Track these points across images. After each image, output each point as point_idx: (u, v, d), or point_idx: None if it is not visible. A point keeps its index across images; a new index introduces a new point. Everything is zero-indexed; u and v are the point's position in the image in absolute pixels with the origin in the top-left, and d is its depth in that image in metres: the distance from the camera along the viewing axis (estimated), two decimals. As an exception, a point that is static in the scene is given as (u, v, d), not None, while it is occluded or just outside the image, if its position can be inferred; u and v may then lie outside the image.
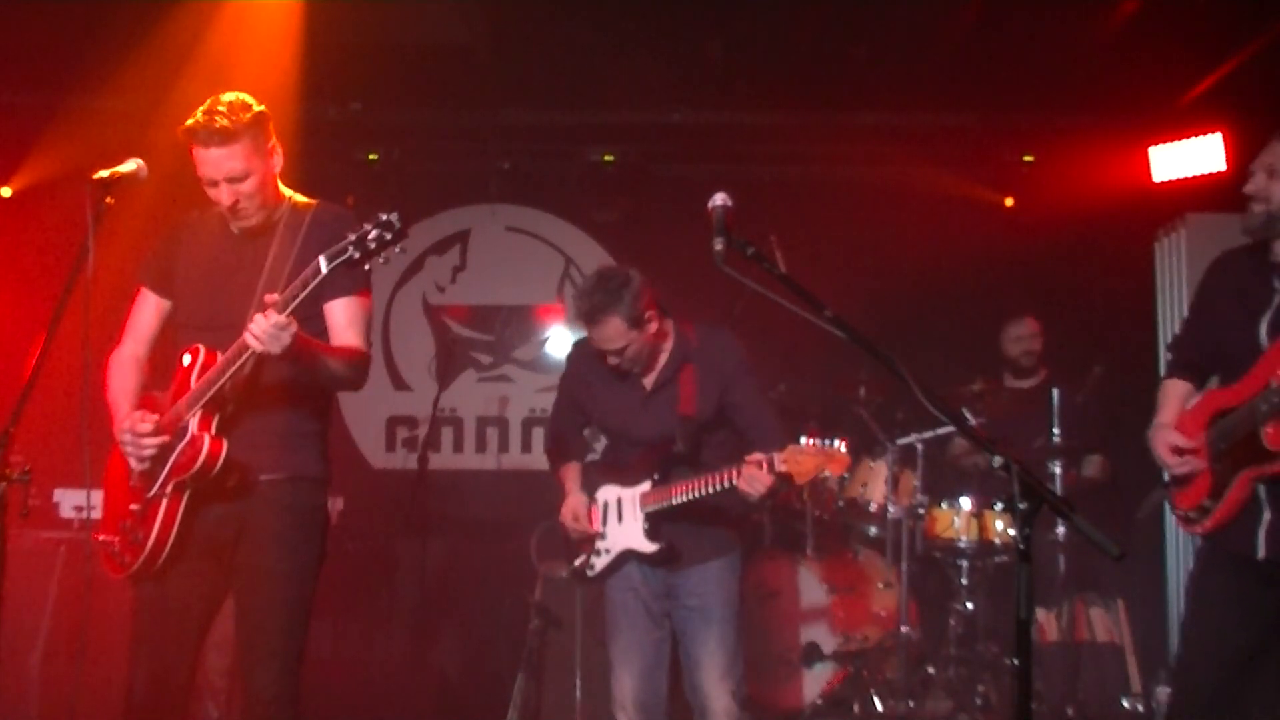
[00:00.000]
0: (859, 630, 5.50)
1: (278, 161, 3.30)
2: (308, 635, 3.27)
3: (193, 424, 3.12)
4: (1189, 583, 3.58)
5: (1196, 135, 6.16)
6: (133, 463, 3.20)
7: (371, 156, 6.72)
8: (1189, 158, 6.21)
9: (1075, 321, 6.46)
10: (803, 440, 3.44)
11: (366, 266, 2.93)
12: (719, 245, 2.51)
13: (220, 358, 3.12)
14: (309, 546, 3.30)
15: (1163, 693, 5.15)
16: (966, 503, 5.50)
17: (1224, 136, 6.09)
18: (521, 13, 5.55)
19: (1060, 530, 5.33)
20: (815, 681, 5.41)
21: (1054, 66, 5.81)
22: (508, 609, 5.77)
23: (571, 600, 5.29)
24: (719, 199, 2.61)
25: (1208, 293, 3.48)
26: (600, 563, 3.91)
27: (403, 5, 5.42)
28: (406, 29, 5.65)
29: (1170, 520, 5.66)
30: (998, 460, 2.31)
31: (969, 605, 5.50)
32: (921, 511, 5.54)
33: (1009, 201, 6.86)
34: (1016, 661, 2.32)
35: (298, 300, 2.94)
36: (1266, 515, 3.16)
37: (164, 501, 3.15)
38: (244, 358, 3.03)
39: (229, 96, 3.20)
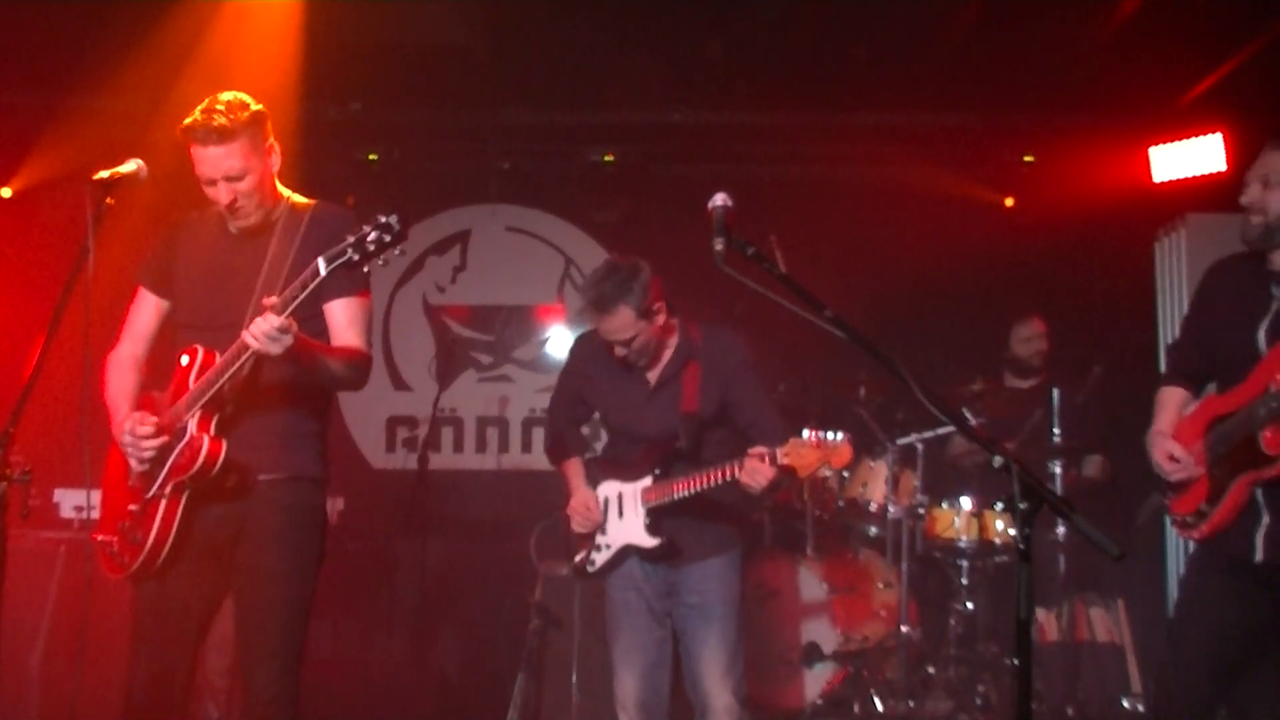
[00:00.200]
0: (859, 630, 5.50)
1: (276, 161, 3.30)
2: (308, 635, 3.27)
3: (192, 424, 3.12)
4: (1180, 584, 3.57)
5: (1197, 135, 6.17)
6: (133, 464, 3.20)
7: (371, 156, 6.72)
8: (1189, 158, 6.21)
9: (1075, 321, 6.44)
10: (804, 434, 3.43)
11: (365, 268, 2.93)
12: (719, 245, 2.51)
13: (219, 358, 3.12)
14: (308, 546, 3.30)
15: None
16: (966, 503, 5.51)
17: (1224, 136, 6.09)
18: (521, 13, 5.55)
19: (1060, 530, 5.34)
20: (815, 681, 5.41)
21: (1054, 66, 5.81)
22: (507, 609, 5.77)
23: (571, 600, 5.29)
24: (719, 199, 2.61)
25: (1205, 298, 3.48)
26: (601, 558, 3.91)
27: (403, 5, 5.42)
28: (406, 29, 5.65)
29: (1170, 521, 5.65)
30: (998, 460, 2.31)
31: (969, 605, 5.51)
32: (921, 511, 5.54)
33: (1009, 201, 6.86)
34: (1016, 661, 2.31)
35: (297, 302, 2.94)
36: (1265, 519, 3.17)
37: (163, 502, 3.15)
38: (243, 358, 3.03)
39: (227, 95, 3.20)
